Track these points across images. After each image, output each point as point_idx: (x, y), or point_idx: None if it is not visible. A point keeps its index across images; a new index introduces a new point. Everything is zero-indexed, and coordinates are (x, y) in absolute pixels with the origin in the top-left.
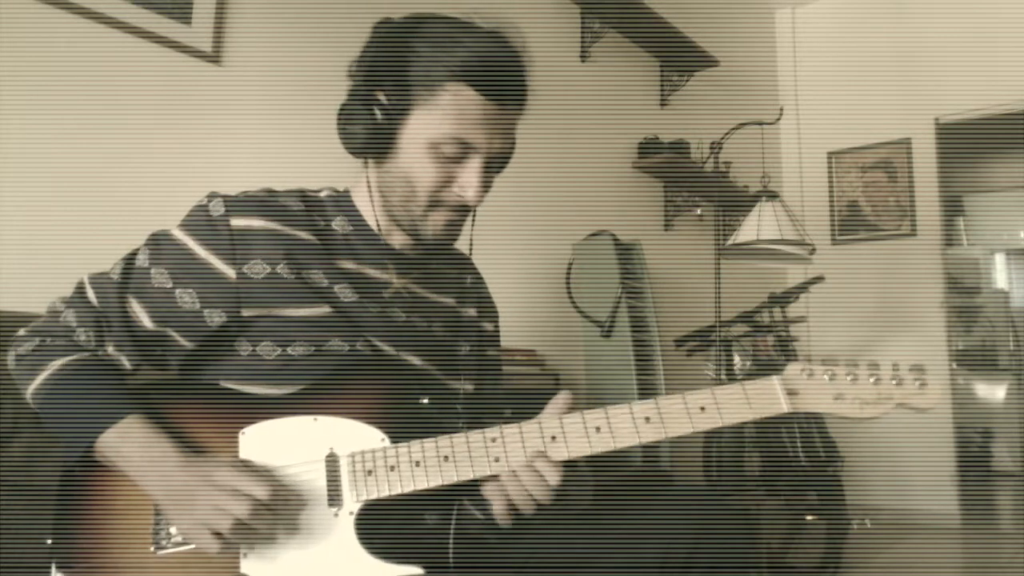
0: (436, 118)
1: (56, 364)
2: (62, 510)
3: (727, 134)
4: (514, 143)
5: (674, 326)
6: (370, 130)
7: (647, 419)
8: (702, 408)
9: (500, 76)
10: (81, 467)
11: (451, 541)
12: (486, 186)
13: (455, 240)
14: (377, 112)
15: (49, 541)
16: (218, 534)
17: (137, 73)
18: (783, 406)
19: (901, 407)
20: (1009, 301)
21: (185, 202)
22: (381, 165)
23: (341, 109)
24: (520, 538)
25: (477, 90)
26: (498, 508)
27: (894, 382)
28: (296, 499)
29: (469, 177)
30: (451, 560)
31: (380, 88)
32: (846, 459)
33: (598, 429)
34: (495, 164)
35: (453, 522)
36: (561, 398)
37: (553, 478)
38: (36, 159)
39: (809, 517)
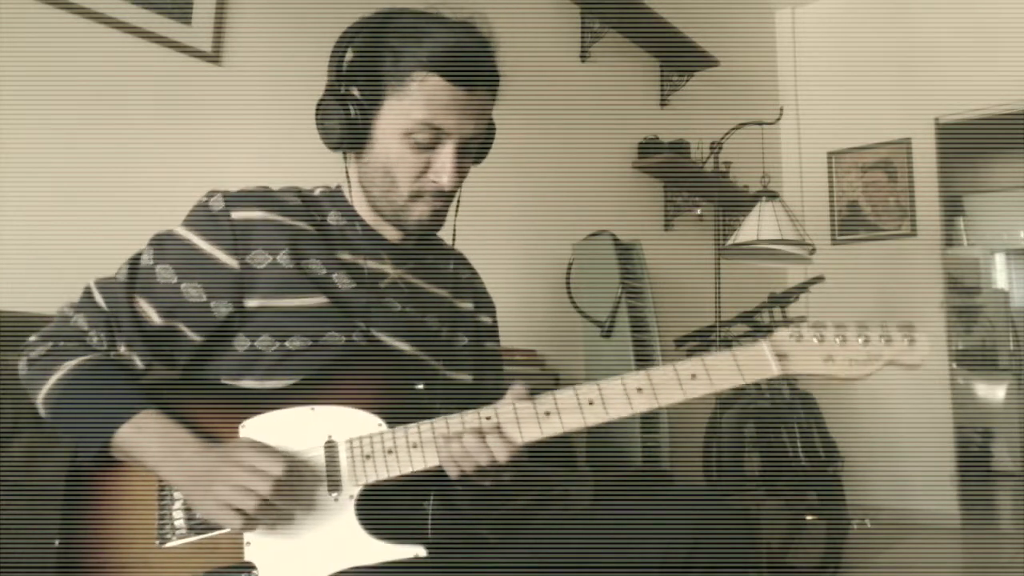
0: (406, 106)
1: (70, 364)
2: (68, 510)
3: (727, 134)
4: (491, 127)
5: (674, 326)
6: (345, 124)
7: (639, 389)
8: (693, 376)
9: (466, 62)
10: (87, 466)
11: (429, 518)
12: (461, 171)
13: (439, 227)
14: (350, 106)
15: (57, 543)
16: (240, 511)
17: (137, 73)
18: (773, 369)
19: (891, 364)
20: (1009, 301)
21: (185, 202)
22: (360, 158)
23: (318, 105)
24: (520, 538)
25: (444, 77)
26: (445, 463)
27: (883, 340)
28: (311, 476)
29: (443, 162)
30: (429, 535)
31: (353, 83)
32: (846, 459)
33: (591, 402)
34: (471, 149)
35: (431, 500)
36: (515, 389)
37: (501, 455)
38: (36, 159)
39: (809, 517)
